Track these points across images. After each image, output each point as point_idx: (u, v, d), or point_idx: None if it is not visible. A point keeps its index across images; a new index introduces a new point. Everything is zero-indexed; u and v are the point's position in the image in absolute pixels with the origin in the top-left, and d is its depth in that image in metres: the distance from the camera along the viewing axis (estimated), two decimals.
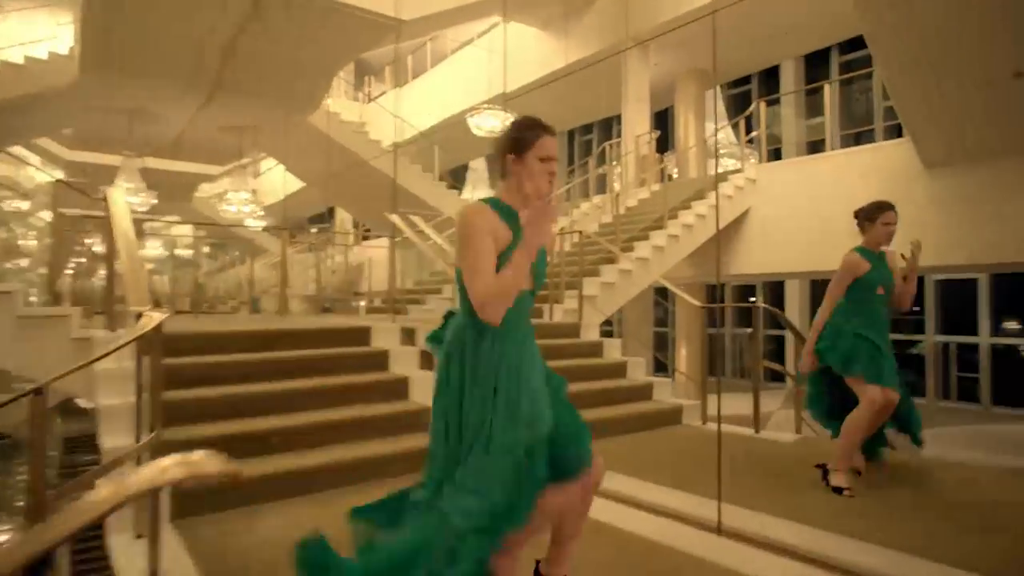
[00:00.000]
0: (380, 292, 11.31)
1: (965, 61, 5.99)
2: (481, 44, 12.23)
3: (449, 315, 1.91)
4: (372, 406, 3.62)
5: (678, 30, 9.21)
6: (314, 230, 19.90)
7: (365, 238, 15.05)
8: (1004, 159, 6.55)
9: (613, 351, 5.35)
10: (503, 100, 9.84)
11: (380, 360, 4.07)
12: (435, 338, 1.88)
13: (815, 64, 16.77)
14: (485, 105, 9.19)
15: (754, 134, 9.51)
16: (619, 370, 5.09)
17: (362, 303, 11.09)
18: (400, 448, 3.32)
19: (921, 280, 11.67)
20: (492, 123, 8.74)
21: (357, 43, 8.31)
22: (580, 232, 6.66)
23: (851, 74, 14.86)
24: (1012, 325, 15.96)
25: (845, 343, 3.09)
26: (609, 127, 15.32)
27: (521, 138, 1.77)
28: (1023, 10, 5.30)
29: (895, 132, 10.26)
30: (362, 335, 4.28)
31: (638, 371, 5.17)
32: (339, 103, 12.39)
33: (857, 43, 11.11)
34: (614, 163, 10.68)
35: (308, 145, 11.24)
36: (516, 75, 10.96)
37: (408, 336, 4.45)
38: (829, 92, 12.11)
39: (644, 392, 4.87)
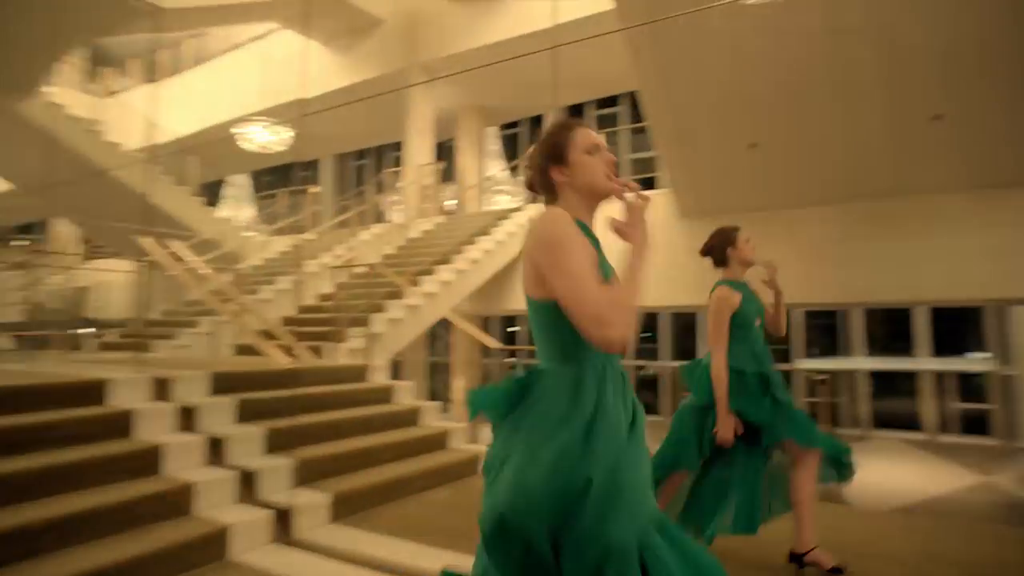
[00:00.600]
0: (117, 322, 9.49)
1: (711, 131, 6.90)
2: (253, 50, 11.15)
3: (527, 378, 1.37)
4: (110, 489, 2.78)
5: (460, 65, 9.32)
6: (24, 243, 16.26)
7: (94, 256, 12.66)
8: (744, 215, 7.61)
9: (405, 396, 4.97)
10: (300, 108, 8.99)
11: (120, 424, 3.19)
12: (494, 401, 1.38)
13: (574, 116, 18.40)
14: (257, 117, 8.29)
15: None
16: (412, 417, 4.73)
17: (91, 330, 9.18)
18: (155, 544, 2.57)
19: (657, 315, 13.19)
20: (266, 137, 7.91)
21: (97, 23, 6.94)
22: (371, 265, 6.22)
23: (605, 130, 16.60)
24: None
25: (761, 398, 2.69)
26: (383, 154, 14.94)
27: (556, 143, 1.48)
28: (756, 90, 6.26)
29: (643, 184, 11.64)
30: (93, 391, 3.33)
31: (431, 416, 4.87)
32: (67, 94, 10.29)
33: (610, 101, 12.40)
34: (395, 192, 10.38)
35: (18, 140, 9.08)
36: (293, 88, 10.13)
37: (161, 388, 3.59)
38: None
39: (439, 441, 4.57)
